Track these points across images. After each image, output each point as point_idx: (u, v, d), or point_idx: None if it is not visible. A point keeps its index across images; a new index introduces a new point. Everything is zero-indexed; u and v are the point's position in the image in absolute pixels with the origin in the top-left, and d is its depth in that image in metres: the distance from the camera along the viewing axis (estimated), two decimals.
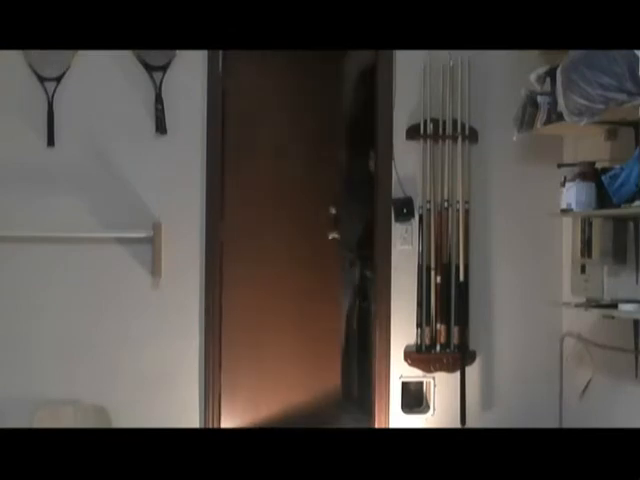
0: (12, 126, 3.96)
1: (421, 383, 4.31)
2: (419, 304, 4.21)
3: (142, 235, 3.98)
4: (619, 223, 3.81)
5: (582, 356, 4.11)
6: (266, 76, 4.46)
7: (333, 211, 4.56)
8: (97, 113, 4.02)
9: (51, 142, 3.97)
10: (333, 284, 4.69)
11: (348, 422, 4.56)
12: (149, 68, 4.01)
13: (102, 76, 4.01)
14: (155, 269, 4.00)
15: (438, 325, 4.21)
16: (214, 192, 4.10)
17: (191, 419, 4.04)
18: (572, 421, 4.18)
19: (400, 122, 4.23)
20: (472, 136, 4.26)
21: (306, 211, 4.55)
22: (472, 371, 4.26)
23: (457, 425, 4.18)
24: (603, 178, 3.56)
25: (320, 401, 4.65)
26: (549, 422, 4.20)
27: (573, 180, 3.75)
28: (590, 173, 3.73)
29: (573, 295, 4.15)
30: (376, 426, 4.19)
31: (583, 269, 4.08)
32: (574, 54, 3.47)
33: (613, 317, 3.72)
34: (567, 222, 4.20)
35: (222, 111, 4.18)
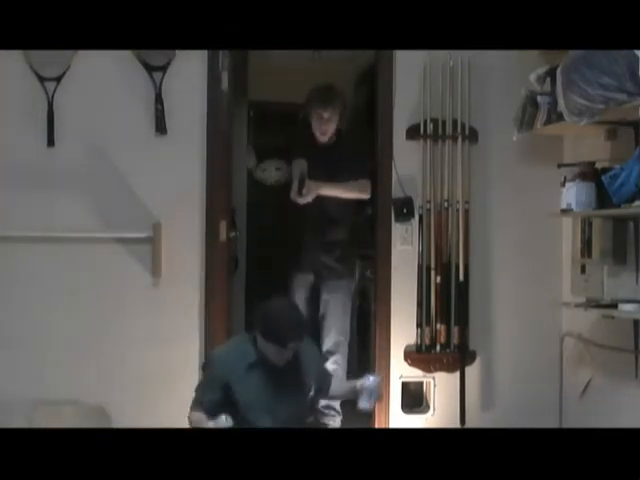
0: (12, 126, 3.96)
1: (421, 383, 4.31)
2: (419, 304, 4.21)
3: (142, 235, 3.97)
4: (619, 223, 3.81)
5: (582, 356, 4.11)
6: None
7: None
8: (97, 113, 4.01)
9: (51, 142, 3.96)
10: None
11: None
12: (149, 68, 4.01)
13: (102, 76, 4.00)
14: (155, 269, 4.00)
15: (438, 325, 4.21)
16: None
17: None
18: (572, 421, 4.18)
19: (400, 122, 4.23)
20: (472, 136, 4.26)
21: None
22: (472, 371, 4.26)
23: (457, 425, 4.17)
24: (603, 178, 3.56)
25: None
26: (549, 422, 4.20)
27: (573, 180, 3.75)
28: (590, 173, 3.73)
29: (573, 295, 4.14)
30: (376, 426, 4.18)
31: (583, 269, 4.08)
32: (574, 54, 3.47)
33: (613, 317, 3.72)
34: (567, 222, 4.20)
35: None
